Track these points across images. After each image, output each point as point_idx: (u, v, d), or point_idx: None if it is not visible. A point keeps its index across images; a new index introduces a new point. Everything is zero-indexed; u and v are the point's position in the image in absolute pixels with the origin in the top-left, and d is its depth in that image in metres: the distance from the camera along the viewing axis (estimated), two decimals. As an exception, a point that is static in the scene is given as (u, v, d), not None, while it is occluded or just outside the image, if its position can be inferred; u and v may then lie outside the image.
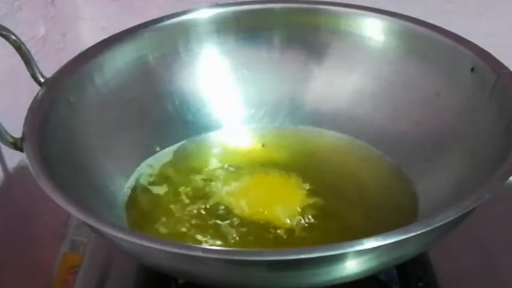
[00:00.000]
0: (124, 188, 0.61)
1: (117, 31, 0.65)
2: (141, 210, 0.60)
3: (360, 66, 0.67)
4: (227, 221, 0.58)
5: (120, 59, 0.64)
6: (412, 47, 0.65)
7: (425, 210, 0.58)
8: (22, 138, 0.54)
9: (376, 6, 0.67)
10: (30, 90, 0.59)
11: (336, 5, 0.68)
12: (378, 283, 0.58)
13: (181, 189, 0.62)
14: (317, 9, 0.68)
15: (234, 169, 0.64)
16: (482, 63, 0.59)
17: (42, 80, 0.59)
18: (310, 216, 0.59)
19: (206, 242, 0.56)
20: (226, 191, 0.62)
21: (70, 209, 0.48)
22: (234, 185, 0.62)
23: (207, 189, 0.62)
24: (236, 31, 0.68)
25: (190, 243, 0.55)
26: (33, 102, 0.57)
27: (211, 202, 0.61)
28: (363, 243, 0.44)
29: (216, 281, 0.49)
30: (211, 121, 0.68)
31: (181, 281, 0.58)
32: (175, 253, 0.45)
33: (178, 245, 0.46)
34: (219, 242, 0.56)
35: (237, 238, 0.57)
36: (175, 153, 0.65)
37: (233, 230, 0.57)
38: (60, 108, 0.59)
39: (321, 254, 0.44)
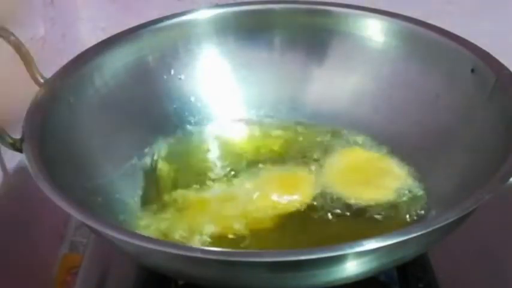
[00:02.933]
0: (123, 188, 0.61)
1: (117, 32, 0.65)
2: (140, 210, 0.60)
3: (360, 67, 0.67)
4: (228, 220, 0.58)
5: (120, 59, 0.64)
6: (412, 48, 0.64)
7: (425, 211, 0.58)
8: (21, 139, 0.54)
9: (376, 6, 0.67)
10: (30, 91, 0.58)
11: (336, 5, 0.68)
12: (378, 284, 0.58)
13: (181, 189, 0.62)
14: (317, 9, 0.68)
15: (234, 169, 0.64)
16: (482, 64, 0.59)
17: (41, 80, 0.59)
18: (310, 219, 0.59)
19: (206, 241, 0.56)
20: (226, 190, 0.62)
21: (69, 209, 0.48)
22: (233, 185, 0.62)
23: (207, 189, 0.62)
24: (236, 32, 0.68)
25: (189, 244, 0.55)
26: (32, 103, 0.57)
27: (211, 202, 0.60)
28: (363, 245, 0.44)
29: (215, 282, 0.49)
30: (211, 121, 0.68)
31: (181, 282, 0.58)
32: (175, 254, 0.45)
33: (177, 246, 0.46)
34: (220, 243, 0.56)
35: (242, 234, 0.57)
36: (175, 153, 0.65)
37: (236, 226, 0.58)
38: (59, 109, 0.59)
39: (320, 256, 0.44)
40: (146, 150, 0.64)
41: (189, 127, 0.67)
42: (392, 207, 0.59)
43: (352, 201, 0.59)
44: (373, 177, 0.62)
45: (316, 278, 0.47)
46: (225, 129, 0.68)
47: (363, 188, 0.60)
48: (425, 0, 0.77)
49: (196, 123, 0.68)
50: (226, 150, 0.67)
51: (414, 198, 0.59)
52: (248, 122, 0.69)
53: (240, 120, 0.69)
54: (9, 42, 0.57)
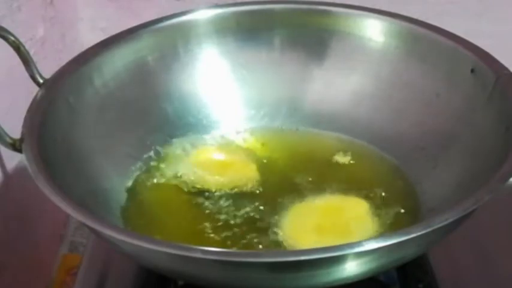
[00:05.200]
0: (123, 188, 0.61)
1: (116, 32, 0.65)
2: (139, 211, 0.60)
3: (360, 67, 0.67)
4: (226, 219, 0.58)
5: (119, 59, 0.64)
6: (412, 48, 0.64)
7: (425, 211, 0.58)
8: (21, 139, 0.54)
9: (376, 7, 0.67)
10: (29, 91, 0.58)
11: (336, 5, 0.68)
12: (378, 284, 0.58)
13: (181, 189, 0.62)
14: (317, 9, 0.68)
15: (233, 169, 0.64)
16: (482, 64, 0.59)
17: (41, 80, 0.59)
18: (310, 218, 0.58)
19: (205, 242, 0.56)
20: (225, 191, 0.61)
21: (68, 210, 0.48)
22: (233, 185, 0.62)
23: (207, 189, 0.62)
24: (236, 32, 0.68)
25: (189, 244, 0.55)
26: (32, 103, 0.57)
27: (210, 202, 0.60)
28: (362, 245, 0.44)
29: (215, 282, 0.49)
30: (211, 122, 0.68)
31: (180, 282, 0.58)
32: (174, 254, 0.45)
33: (177, 246, 0.45)
34: (218, 242, 0.56)
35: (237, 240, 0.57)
36: (175, 154, 0.65)
37: (234, 228, 0.57)
38: (59, 109, 0.58)
39: (320, 256, 0.44)
40: (145, 150, 0.64)
41: (188, 128, 0.67)
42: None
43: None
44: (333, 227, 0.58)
45: (316, 278, 0.47)
46: (225, 130, 0.68)
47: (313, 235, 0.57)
48: (426, 0, 0.77)
49: (195, 124, 0.67)
50: (225, 151, 0.66)
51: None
52: (248, 123, 0.68)
53: (240, 120, 0.68)
54: (8, 42, 0.57)
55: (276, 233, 0.57)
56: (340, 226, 0.57)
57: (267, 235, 0.57)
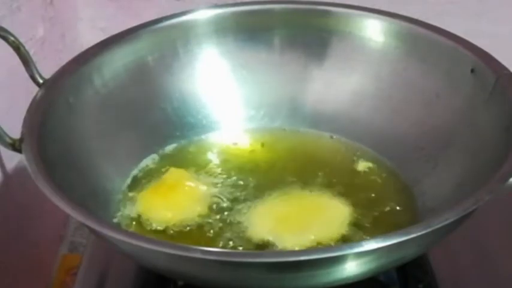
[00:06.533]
0: (122, 189, 0.61)
1: (116, 32, 0.65)
2: (139, 211, 0.60)
3: (360, 67, 0.67)
4: (224, 221, 0.58)
5: (119, 59, 0.64)
6: (412, 48, 0.64)
7: (425, 211, 0.58)
8: (21, 140, 0.54)
9: (376, 7, 0.67)
10: (29, 91, 0.58)
11: (336, 5, 0.68)
12: (378, 284, 0.58)
13: (180, 189, 0.62)
14: (317, 10, 0.68)
15: (233, 170, 0.64)
16: (482, 64, 0.59)
17: (41, 81, 0.59)
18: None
19: (204, 242, 0.56)
20: (224, 192, 0.62)
21: (68, 210, 0.48)
22: (232, 186, 0.62)
23: (206, 190, 0.62)
24: (235, 32, 0.68)
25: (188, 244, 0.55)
26: (32, 103, 0.57)
27: (209, 203, 0.60)
28: (362, 245, 0.44)
29: (214, 282, 0.49)
30: (211, 122, 0.68)
31: (180, 283, 0.58)
32: (174, 254, 0.45)
33: (176, 247, 0.46)
34: (216, 243, 0.56)
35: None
36: (174, 154, 0.65)
37: (232, 232, 0.57)
38: (59, 109, 0.58)
39: (320, 256, 0.44)
40: (145, 150, 0.64)
41: (188, 128, 0.67)
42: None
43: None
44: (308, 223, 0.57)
45: (316, 278, 0.47)
46: (224, 130, 0.68)
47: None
48: (426, 0, 0.77)
49: (195, 124, 0.67)
50: (225, 151, 0.66)
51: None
52: (247, 123, 0.68)
53: (240, 120, 0.68)
54: (8, 42, 0.57)
55: (240, 215, 0.58)
56: (303, 223, 0.57)
57: (231, 215, 0.58)
